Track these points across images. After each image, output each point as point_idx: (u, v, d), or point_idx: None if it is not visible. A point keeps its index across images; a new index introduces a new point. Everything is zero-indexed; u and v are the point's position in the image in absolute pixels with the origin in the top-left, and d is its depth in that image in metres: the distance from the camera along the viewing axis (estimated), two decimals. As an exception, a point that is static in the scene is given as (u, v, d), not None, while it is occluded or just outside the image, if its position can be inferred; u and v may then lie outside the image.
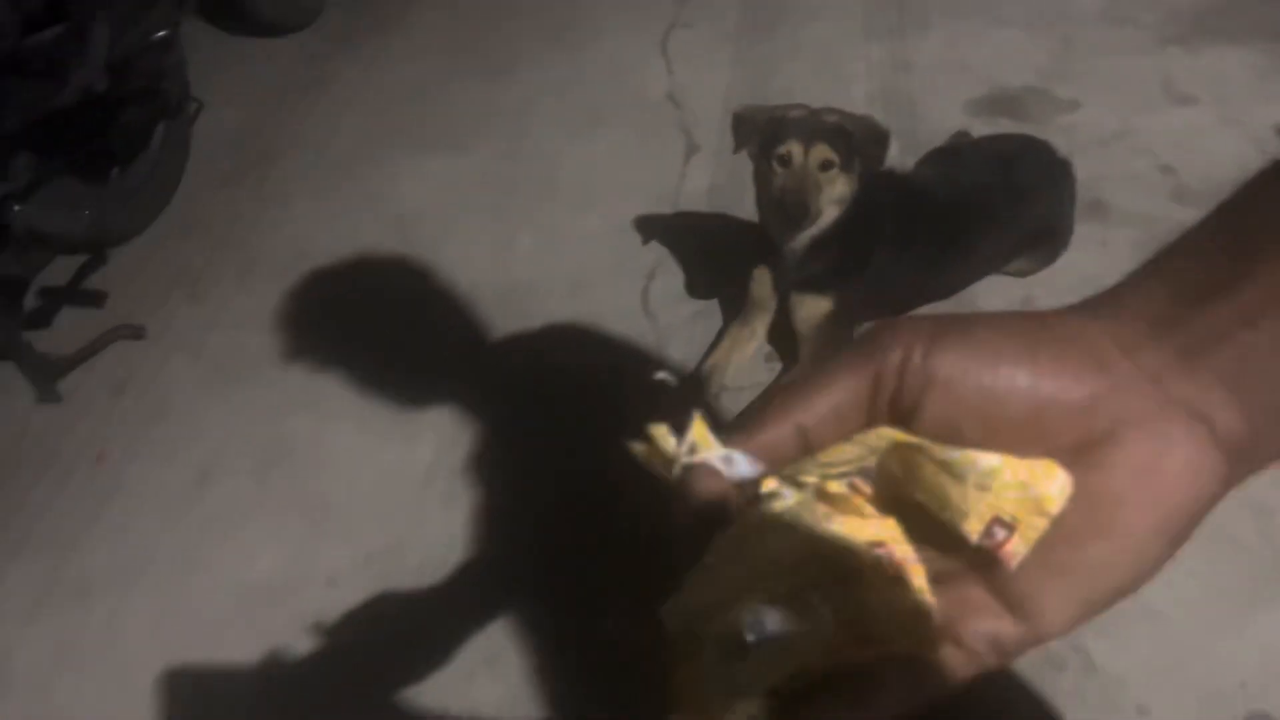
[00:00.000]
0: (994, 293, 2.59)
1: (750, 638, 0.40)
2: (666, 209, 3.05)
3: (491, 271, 2.88)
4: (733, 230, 2.90)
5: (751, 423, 0.43)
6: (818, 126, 2.22)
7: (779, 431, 0.42)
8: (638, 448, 0.45)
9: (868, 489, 0.43)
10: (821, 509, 0.42)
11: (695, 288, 2.76)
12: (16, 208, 2.43)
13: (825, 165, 2.21)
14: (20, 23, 2.46)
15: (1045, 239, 2.61)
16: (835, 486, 0.43)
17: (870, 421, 0.42)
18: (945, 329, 0.41)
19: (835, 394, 0.42)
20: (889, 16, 3.89)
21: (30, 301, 2.92)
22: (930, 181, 2.54)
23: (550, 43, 4.03)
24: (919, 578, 0.41)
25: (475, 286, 2.82)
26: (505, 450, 2.35)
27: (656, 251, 2.88)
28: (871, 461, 0.43)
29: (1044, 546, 0.40)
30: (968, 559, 0.42)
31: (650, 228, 2.96)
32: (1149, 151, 2.99)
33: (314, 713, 1.89)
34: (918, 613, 0.41)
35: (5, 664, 2.04)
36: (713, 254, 2.83)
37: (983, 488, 0.39)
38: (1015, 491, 0.39)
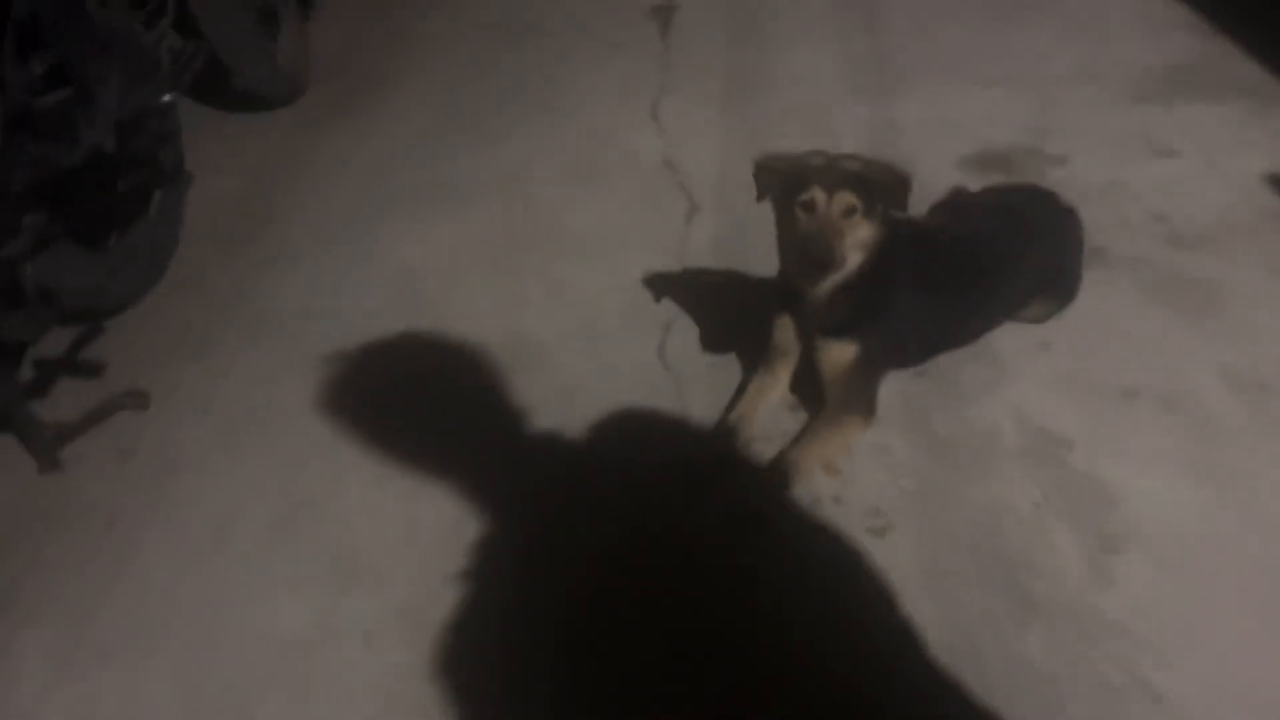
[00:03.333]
0: (1012, 339, 2.62)
1: None
2: (673, 263, 3.07)
3: (502, 325, 2.87)
4: (743, 285, 2.92)
5: None
6: (840, 173, 2.25)
7: None
8: None
9: None
10: None
11: (711, 342, 2.76)
12: (29, 267, 2.38)
13: (848, 211, 2.23)
14: (26, 83, 2.44)
15: (1058, 284, 2.65)
16: None
17: None
18: None
19: None
20: (870, 78, 4.00)
21: (25, 372, 2.84)
22: (947, 229, 2.58)
23: (541, 111, 4.08)
24: None
25: (486, 340, 2.80)
26: (528, 501, 2.31)
27: (669, 308, 2.89)
28: None
29: None
30: None
31: (661, 285, 2.97)
32: (1140, 201, 3.08)
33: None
34: None
35: (24, 735, 1.94)
36: (726, 309, 2.84)
37: None
38: None
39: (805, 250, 2.25)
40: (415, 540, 2.24)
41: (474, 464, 2.42)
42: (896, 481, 2.27)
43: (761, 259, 2.47)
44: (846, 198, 2.23)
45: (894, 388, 2.49)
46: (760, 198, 2.36)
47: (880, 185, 2.25)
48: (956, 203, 2.87)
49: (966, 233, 2.56)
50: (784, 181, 2.30)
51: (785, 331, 2.50)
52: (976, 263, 2.52)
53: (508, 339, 2.82)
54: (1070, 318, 2.67)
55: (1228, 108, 3.51)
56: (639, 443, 2.45)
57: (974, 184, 3.15)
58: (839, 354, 2.40)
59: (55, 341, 2.94)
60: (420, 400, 2.64)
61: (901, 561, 2.09)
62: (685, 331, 2.80)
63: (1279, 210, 2.97)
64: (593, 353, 2.75)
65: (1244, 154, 3.24)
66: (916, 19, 4.41)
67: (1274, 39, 3.83)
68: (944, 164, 3.38)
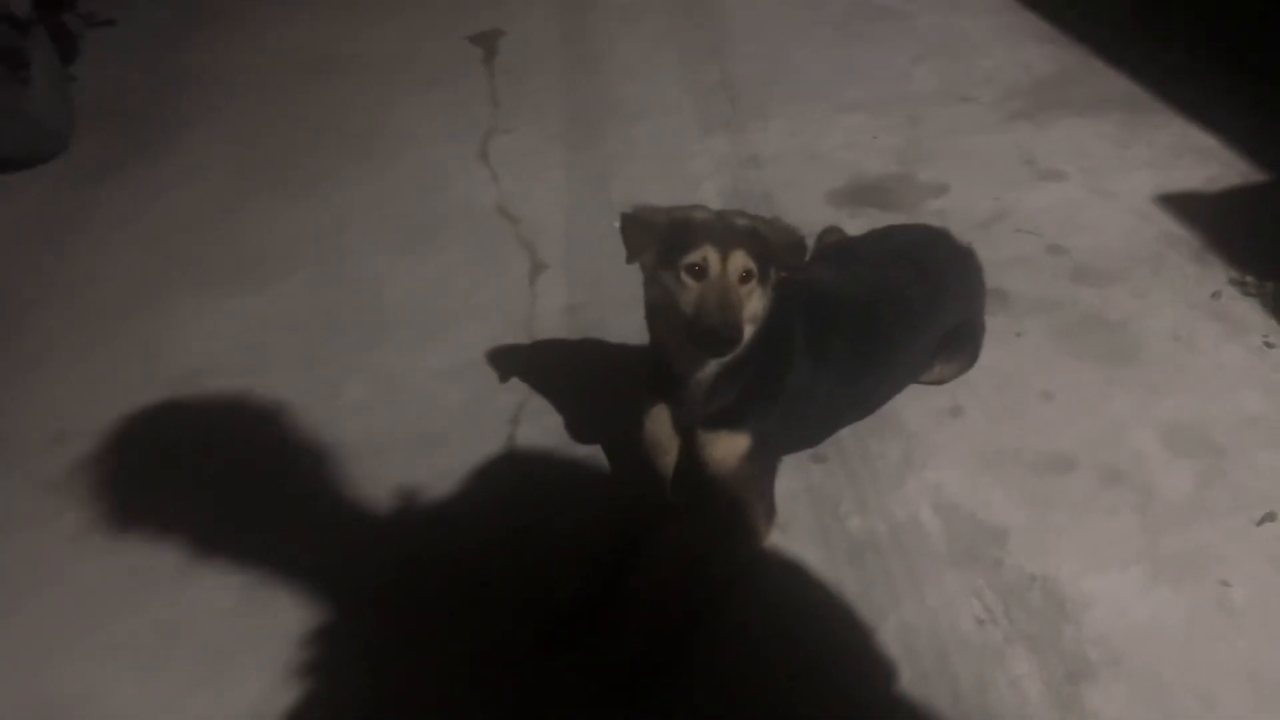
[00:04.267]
0: (917, 405, 2.27)
1: None
2: (521, 338, 2.60)
3: (316, 433, 2.34)
4: (607, 356, 2.48)
5: None
6: (733, 230, 1.83)
7: None
8: None
9: None
10: None
11: (575, 429, 2.30)
12: None
13: (745, 276, 1.81)
14: None
15: (963, 335, 2.31)
16: None
17: None
18: None
19: None
20: (722, 109, 3.63)
21: None
22: (838, 283, 2.20)
23: (356, 156, 3.54)
24: None
25: (293, 454, 2.27)
26: (356, 673, 1.80)
27: (519, 389, 2.41)
28: None
29: None
30: None
31: (507, 362, 2.49)
32: (1033, 232, 2.79)
33: None
34: None
35: None
36: (589, 387, 2.39)
37: None
38: None
39: (696, 324, 1.81)
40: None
41: (281, 624, 1.89)
42: (814, 602, 1.86)
43: (621, 323, 2.02)
44: (742, 260, 1.80)
45: (792, 477, 2.10)
46: (631, 258, 1.90)
47: (775, 246, 1.85)
48: (842, 252, 2.48)
49: (861, 288, 2.19)
50: (663, 239, 1.86)
51: (660, 423, 2.06)
52: (876, 322, 2.15)
53: (324, 449, 2.29)
54: (978, 375, 2.33)
55: (1103, 122, 3.29)
56: (497, 576, 1.96)
57: (847, 221, 2.82)
58: (728, 447, 1.98)
59: None
60: (209, 543, 2.09)
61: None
62: (541, 419, 2.33)
63: (1178, 235, 2.73)
64: (433, 457, 2.24)
65: (1130, 173, 3.01)
66: (765, 41, 4.08)
67: (1136, 49, 3.66)
68: (813, 200, 3.04)
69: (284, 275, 2.93)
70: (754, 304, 1.83)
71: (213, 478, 2.26)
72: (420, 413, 2.38)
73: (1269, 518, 1.93)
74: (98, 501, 2.22)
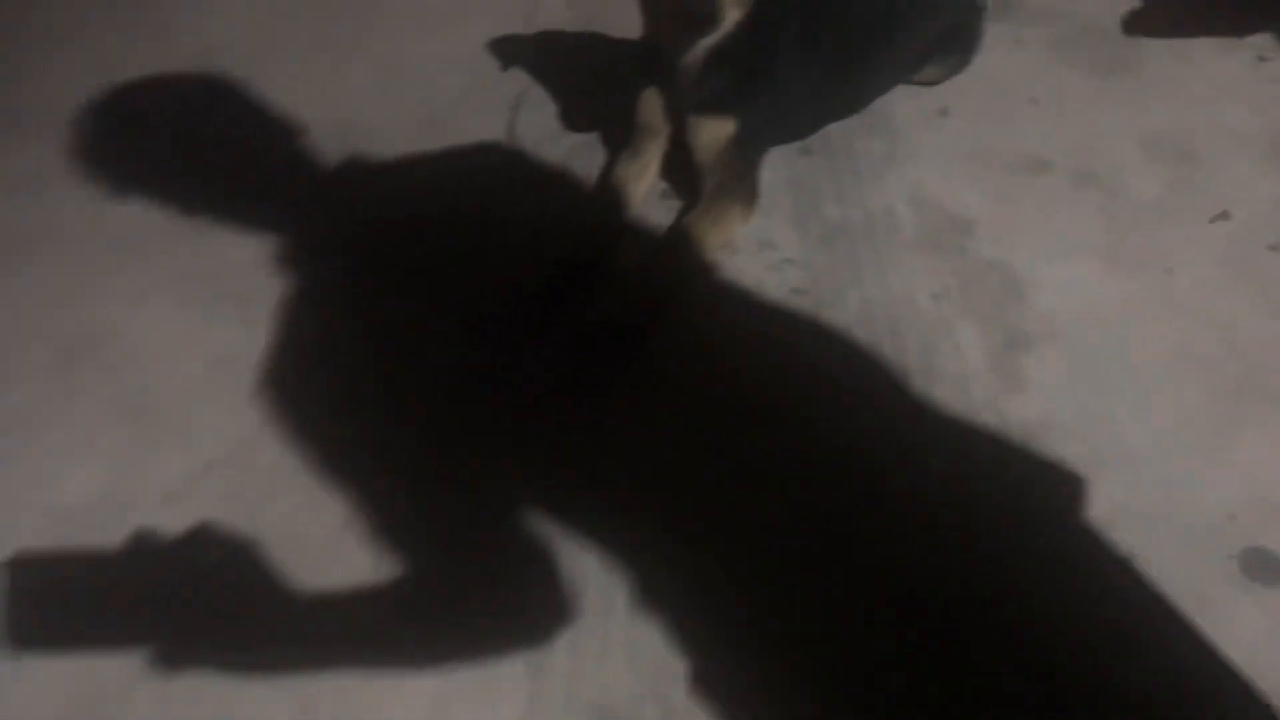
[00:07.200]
0: (907, 105, 2.32)
1: None
2: (521, 29, 2.62)
3: (322, 111, 2.41)
4: (607, 49, 2.51)
5: None
6: (716, -94, 1.83)
7: None
8: None
9: None
10: None
11: (571, 119, 2.37)
12: None
13: (733, -45, 1.83)
14: None
15: (956, 40, 2.33)
16: None
17: None
18: None
19: None
20: None
21: None
22: (834, -25, 2.20)
23: None
24: None
25: (303, 127, 2.35)
26: (362, 321, 1.96)
27: (519, 79, 2.47)
28: None
29: None
30: None
31: (509, 51, 2.53)
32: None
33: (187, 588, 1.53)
34: None
35: None
36: (586, 79, 2.44)
37: None
38: None
39: (679, 4, 1.85)
40: (223, 379, 1.88)
41: (296, 276, 2.04)
42: (783, 278, 1.98)
43: (623, 16, 2.06)
44: None
45: (778, 168, 2.18)
46: None
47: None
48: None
49: (857, -19, 2.19)
50: None
51: (651, 107, 2.13)
52: (869, 16, 2.17)
53: (331, 124, 2.38)
54: (972, 79, 2.36)
55: None
56: (495, 242, 2.09)
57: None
58: (715, 130, 2.05)
59: None
60: (230, 203, 2.21)
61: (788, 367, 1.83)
62: (539, 108, 2.40)
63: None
64: (432, 138, 2.33)
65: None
66: None
67: None
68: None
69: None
70: (740, -16, 1.86)
71: (231, 147, 2.36)
72: (424, 96, 2.45)
73: (1222, 216, 2.01)
74: (120, 165, 2.33)
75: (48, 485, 1.75)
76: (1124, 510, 1.57)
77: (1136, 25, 2.46)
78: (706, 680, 1.41)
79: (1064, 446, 1.66)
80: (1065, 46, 2.44)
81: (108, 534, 1.64)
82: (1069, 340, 1.83)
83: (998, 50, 2.40)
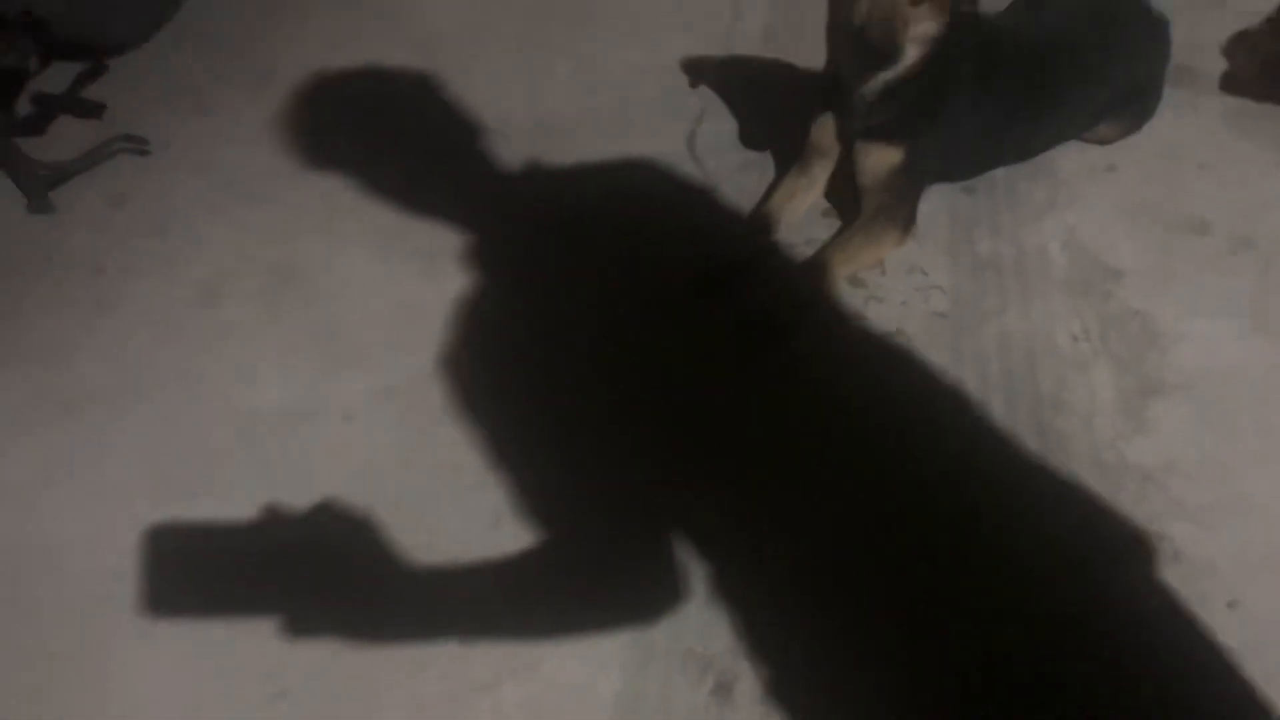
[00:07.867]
0: (1074, 157, 2.38)
1: None
2: (717, 50, 2.81)
3: (524, 102, 2.65)
4: (791, 78, 2.67)
5: None
6: (909, -51, 1.97)
7: None
8: None
9: None
10: None
11: (747, 137, 2.53)
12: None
13: (918, -3, 1.96)
14: None
15: (1134, 101, 2.38)
16: None
17: None
18: None
19: None
20: None
21: (23, 108, 2.68)
22: (1018, 27, 2.30)
23: None
24: None
25: (506, 117, 2.59)
26: (534, 292, 2.16)
27: (705, 96, 2.65)
28: None
29: None
30: None
31: (699, 69, 2.72)
32: (1253, 16, 2.74)
33: (314, 555, 1.72)
34: None
35: (-10, 477, 1.88)
36: (768, 102, 2.60)
37: None
38: None
39: (861, 37, 1.99)
40: (409, 320, 2.10)
41: (480, 245, 2.26)
42: (927, 302, 2.09)
43: (815, 51, 2.22)
44: None
45: (938, 202, 2.29)
46: None
47: (952, -30, 1.98)
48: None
49: (1039, 35, 2.28)
50: None
51: (825, 130, 2.27)
52: (1047, 70, 2.26)
53: (531, 118, 2.61)
54: (1143, 141, 2.41)
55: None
56: (660, 237, 2.26)
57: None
58: (881, 158, 2.18)
59: (58, 80, 2.76)
60: (431, 176, 2.46)
61: (921, 388, 1.94)
62: (719, 123, 2.57)
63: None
64: (618, 138, 2.54)
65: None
66: None
67: None
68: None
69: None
70: (923, 25, 1.99)
71: (436, 134, 2.61)
72: (617, 99, 2.66)
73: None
74: (336, 132, 2.63)
75: (245, 389, 2.00)
76: (1235, 557, 1.61)
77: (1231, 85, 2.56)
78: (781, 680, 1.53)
79: (1183, 491, 1.71)
80: (1242, 117, 2.46)
81: (286, 442, 1.88)
82: (1203, 393, 1.87)
83: (1173, 115, 2.44)
